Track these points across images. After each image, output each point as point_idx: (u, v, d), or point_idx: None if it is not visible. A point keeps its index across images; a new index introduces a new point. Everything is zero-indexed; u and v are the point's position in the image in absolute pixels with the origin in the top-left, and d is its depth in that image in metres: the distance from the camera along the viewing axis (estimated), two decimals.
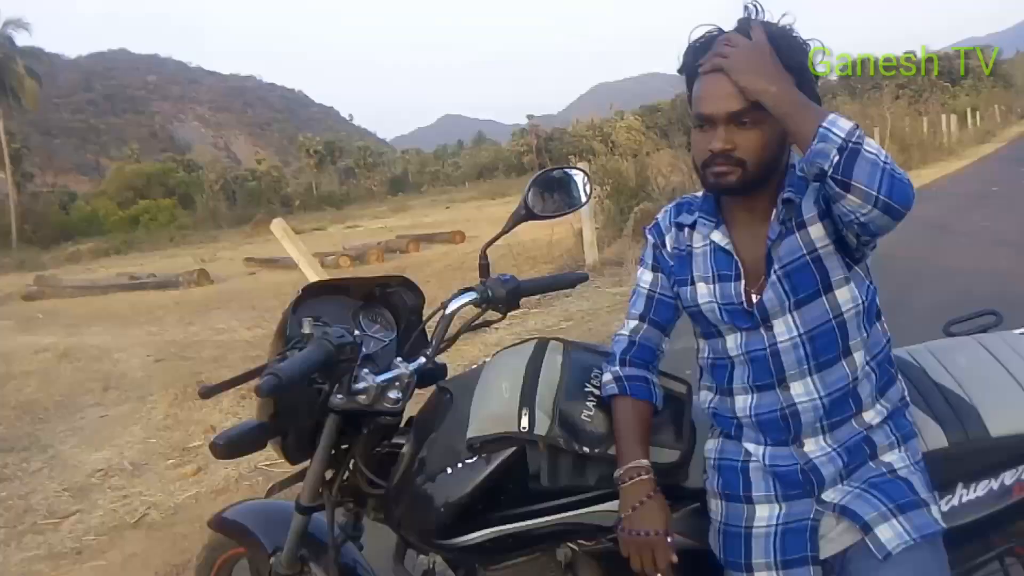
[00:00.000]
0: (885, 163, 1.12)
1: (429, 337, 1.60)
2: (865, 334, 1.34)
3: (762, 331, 1.34)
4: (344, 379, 1.39)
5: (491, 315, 1.65)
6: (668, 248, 1.45)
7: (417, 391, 1.54)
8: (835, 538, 1.32)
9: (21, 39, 44.62)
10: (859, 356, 1.33)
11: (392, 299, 1.67)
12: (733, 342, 1.38)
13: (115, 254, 30.41)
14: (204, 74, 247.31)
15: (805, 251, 1.30)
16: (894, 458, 1.35)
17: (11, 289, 19.31)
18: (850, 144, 1.12)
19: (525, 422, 1.34)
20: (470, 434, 1.37)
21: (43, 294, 17.60)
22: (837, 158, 1.11)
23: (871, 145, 1.13)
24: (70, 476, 4.47)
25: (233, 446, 1.40)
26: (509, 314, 1.65)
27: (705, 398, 1.46)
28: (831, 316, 1.31)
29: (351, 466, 1.55)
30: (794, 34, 1.28)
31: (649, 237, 1.48)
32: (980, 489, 1.42)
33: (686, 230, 1.43)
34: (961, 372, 1.51)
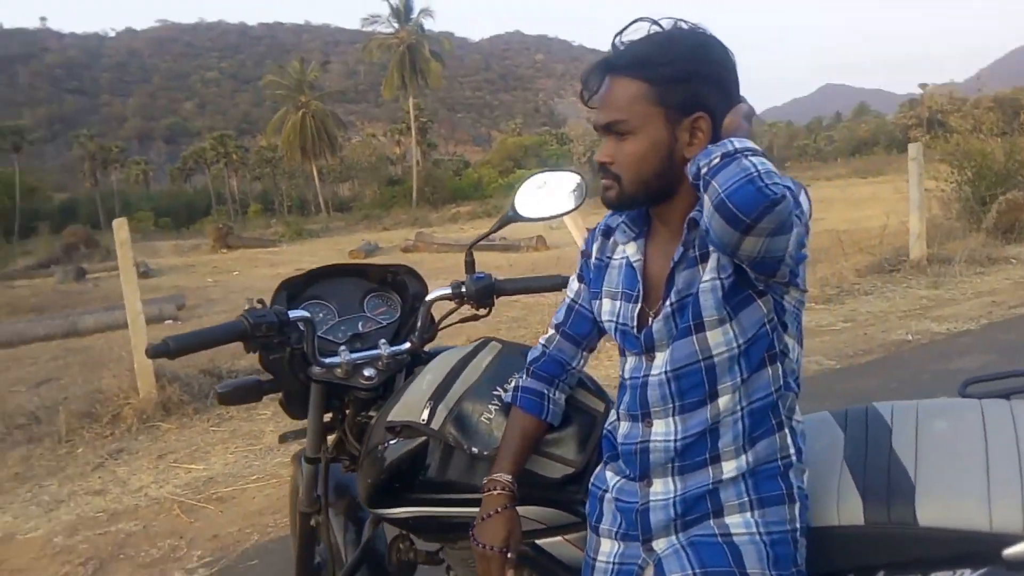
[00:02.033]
0: (753, 172, 0.97)
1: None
2: (739, 379, 1.17)
3: (644, 359, 1.23)
4: (302, 353, 1.57)
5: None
6: (593, 257, 1.37)
7: None
8: None
9: (429, 25, 52.22)
10: (726, 400, 1.17)
11: (401, 285, 1.81)
12: (630, 364, 1.28)
13: (486, 216, 34.28)
14: (586, 52, 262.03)
15: (697, 285, 1.16)
16: (737, 521, 1.16)
17: (397, 241, 23.15)
18: (737, 153, 1.01)
19: (426, 415, 1.41)
20: (389, 418, 1.48)
21: (417, 248, 20.72)
22: (717, 160, 1.02)
23: (758, 159, 1.00)
24: None
25: (231, 395, 1.68)
26: None
27: (611, 419, 1.37)
28: (700, 357, 1.17)
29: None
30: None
31: (583, 245, 1.42)
32: None
33: (612, 239, 1.33)
34: (929, 441, 1.20)
